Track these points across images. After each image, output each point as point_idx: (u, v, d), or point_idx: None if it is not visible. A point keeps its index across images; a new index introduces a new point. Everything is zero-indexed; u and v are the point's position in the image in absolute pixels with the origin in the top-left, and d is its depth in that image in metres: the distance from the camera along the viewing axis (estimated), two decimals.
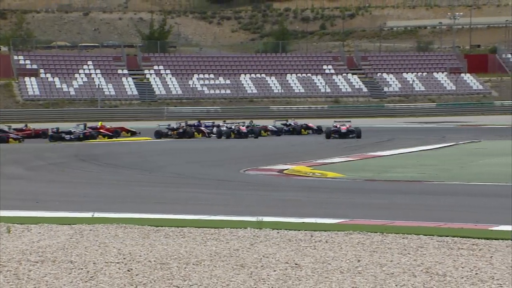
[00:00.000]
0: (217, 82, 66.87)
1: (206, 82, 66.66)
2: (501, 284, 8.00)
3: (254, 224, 11.74)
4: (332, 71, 70.36)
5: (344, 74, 70.02)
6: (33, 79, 63.76)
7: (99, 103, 61.22)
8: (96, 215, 13.15)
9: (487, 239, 10.59)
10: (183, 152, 31.91)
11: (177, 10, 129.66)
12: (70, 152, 31.72)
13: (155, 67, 68.24)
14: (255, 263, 9.01)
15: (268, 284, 8.00)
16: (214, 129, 41.64)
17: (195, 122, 44.61)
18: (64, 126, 44.43)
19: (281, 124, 44.37)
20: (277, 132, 42.62)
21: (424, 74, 71.07)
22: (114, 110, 60.68)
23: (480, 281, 8.12)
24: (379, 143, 35.01)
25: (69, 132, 39.80)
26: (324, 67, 70.81)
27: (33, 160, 28.29)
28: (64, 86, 63.52)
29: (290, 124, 44.06)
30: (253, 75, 68.40)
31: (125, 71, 67.14)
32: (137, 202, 16.20)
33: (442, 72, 71.43)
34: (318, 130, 42.88)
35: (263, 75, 68.62)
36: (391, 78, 70.10)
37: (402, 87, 69.18)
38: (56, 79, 64.16)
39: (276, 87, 67.03)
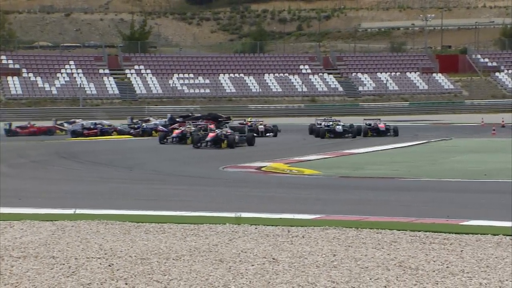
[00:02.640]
0: (196, 81, 66.73)
1: (186, 81, 66.50)
2: (471, 277, 8.06)
3: (233, 220, 11.73)
4: (309, 71, 70.48)
5: (320, 74, 70.17)
6: (15, 78, 63.23)
7: (80, 102, 60.86)
8: (78, 211, 13.08)
9: (458, 233, 10.66)
10: (162, 150, 31.80)
11: (157, 11, 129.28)
12: (51, 150, 31.51)
13: (136, 67, 67.95)
14: (234, 258, 9.00)
15: (246, 279, 8.00)
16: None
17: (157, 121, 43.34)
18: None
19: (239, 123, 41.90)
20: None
21: (398, 74, 71.42)
22: (95, 109, 60.37)
23: (451, 274, 8.18)
24: (354, 141, 35.12)
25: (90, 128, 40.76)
26: (301, 67, 70.92)
27: (15, 157, 28.06)
28: (46, 85, 63.07)
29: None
30: (231, 75, 68.34)
31: (107, 71, 66.78)
32: (118, 198, 16.13)
33: (415, 72, 71.82)
34: (273, 130, 39.57)
35: (242, 75, 68.59)
36: (365, 78, 70.37)
37: (376, 87, 69.47)
38: (39, 79, 63.68)
39: (254, 86, 67.04)
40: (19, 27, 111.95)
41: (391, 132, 37.06)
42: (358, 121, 47.84)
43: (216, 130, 32.64)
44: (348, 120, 50.83)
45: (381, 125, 37.33)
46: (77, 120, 45.33)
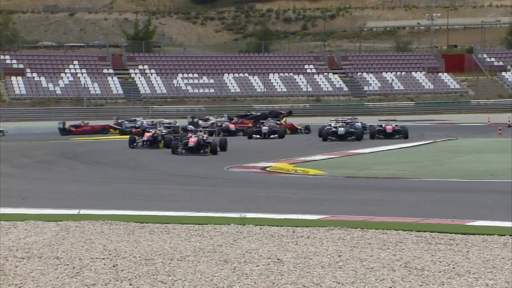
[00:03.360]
0: (201, 81, 66.75)
1: (190, 81, 66.52)
2: (477, 278, 8.05)
3: (237, 221, 11.73)
4: (314, 70, 70.43)
5: (325, 74, 70.12)
6: (19, 78, 63.35)
7: (84, 102, 60.94)
8: (82, 212, 13.09)
9: (464, 234, 10.64)
10: (167, 150, 31.80)
11: (161, 10, 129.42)
12: (56, 150, 31.55)
13: (140, 67, 68.01)
14: (238, 259, 9.00)
15: (251, 279, 8.01)
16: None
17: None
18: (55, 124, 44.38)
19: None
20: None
21: (403, 73, 71.33)
22: (99, 109, 60.44)
23: (457, 275, 8.17)
24: (359, 141, 35.06)
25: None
26: (306, 66, 70.88)
27: (19, 158, 28.10)
28: (50, 85, 63.16)
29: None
30: (236, 75, 68.35)
31: (111, 71, 66.86)
32: (122, 199, 16.14)
33: (421, 71, 71.72)
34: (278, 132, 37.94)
35: (246, 75, 68.59)
36: (371, 78, 70.29)
37: (382, 86, 69.39)
38: (43, 79, 63.78)
39: (259, 86, 67.03)
40: (23, 27, 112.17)
41: (400, 134, 34.92)
42: (368, 121, 47.75)
43: (192, 136, 28.88)
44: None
45: (389, 127, 35.14)
46: (137, 119, 45.22)
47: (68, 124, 44.05)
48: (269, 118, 42.26)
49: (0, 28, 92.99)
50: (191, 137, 28.67)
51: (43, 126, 47.16)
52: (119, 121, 45.01)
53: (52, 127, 44.95)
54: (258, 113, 45.73)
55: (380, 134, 34.74)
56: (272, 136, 37.40)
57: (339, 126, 35.06)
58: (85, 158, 27.80)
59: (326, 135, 34.55)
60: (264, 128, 37.72)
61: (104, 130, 43.71)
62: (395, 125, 35.63)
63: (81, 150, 31.38)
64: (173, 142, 29.56)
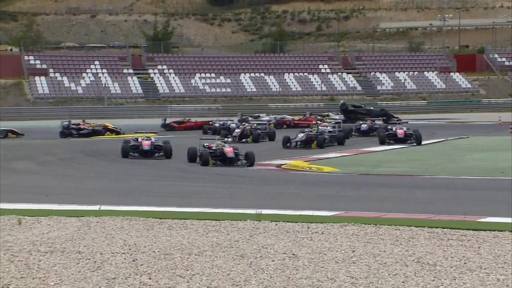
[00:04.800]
0: (218, 81, 66.78)
1: (208, 81, 66.57)
2: (488, 273, 8.00)
3: (254, 217, 11.73)
4: (328, 70, 70.27)
5: (339, 73, 69.94)
6: (42, 78, 63.65)
7: (105, 101, 61.15)
8: (103, 208, 13.14)
9: (475, 230, 10.59)
10: (184, 148, 31.83)
11: (179, 12, 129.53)
12: (77, 148, 31.69)
13: (159, 67, 68.14)
14: (255, 254, 9.00)
15: (267, 274, 8.00)
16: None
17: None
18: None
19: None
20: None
21: (416, 73, 70.99)
22: (119, 107, 60.63)
23: (468, 270, 8.12)
24: (371, 139, 34.93)
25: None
26: (320, 66, 70.73)
27: (42, 155, 28.26)
28: (72, 85, 63.42)
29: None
30: (252, 74, 68.31)
31: (130, 71, 67.03)
32: (142, 195, 16.19)
33: (433, 71, 71.35)
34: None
35: (262, 74, 68.53)
36: (384, 77, 70.02)
37: (395, 86, 69.10)
38: (65, 78, 64.07)
39: (274, 85, 66.96)
40: (46, 28, 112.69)
41: (412, 140, 31.22)
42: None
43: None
44: None
45: (400, 131, 31.45)
46: (261, 115, 45.89)
47: (170, 120, 44.13)
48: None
49: (24, 29, 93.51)
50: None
51: (40, 126, 46.70)
52: (243, 117, 44.79)
53: (48, 126, 44.23)
54: (371, 108, 47.02)
55: (390, 139, 31.34)
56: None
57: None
58: (107, 155, 27.89)
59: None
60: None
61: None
62: (407, 128, 32.21)
63: (102, 148, 31.48)
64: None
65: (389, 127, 33.03)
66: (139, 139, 26.72)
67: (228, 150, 23.84)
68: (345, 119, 44.74)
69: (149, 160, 25.75)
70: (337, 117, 44.52)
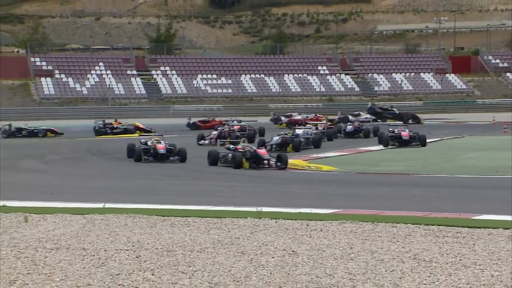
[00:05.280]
0: (219, 82, 66.78)
1: (209, 82, 66.56)
2: (483, 269, 8.00)
3: (254, 214, 11.73)
4: (326, 71, 70.26)
5: (337, 75, 69.92)
6: (48, 79, 63.66)
7: (109, 101, 61.15)
8: (107, 205, 13.14)
9: (470, 227, 10.58)
10: (188, 148, 31.81)
11: (182, 15, 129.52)
12: (83, 147, 31.68)
13: (162, 68, 68.14)
14: (255, 250, 9.00)
15: (267, 270, 8.00)
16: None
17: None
18: (82, 123, 44.45)
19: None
20: None
21: (412, 74, 70.97)
22: (123, 108, 60.63)
23: (463, 267, 8.12)
24: (370, 139, 34.92)
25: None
26: (319, 68, 70.71)
27: (48, 154, 28.26)
28: (77, 85, 63.44)
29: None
30: (252, 76, 68.30)
31: (134, 72, 67.03)
32: (145, 193, 16.18)
33: (429, 72, 71.33)
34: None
35: (262, 76, 68.52)
36: (381, 78, 70.00)
37: (392, 87, 69.08)
38: (70, 79, 64.07)
39: (274, 86, 66.95)
40: (52, 30, 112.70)
41: (416, 141, 29.81)
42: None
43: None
44: None
45: (405, 133, 29.93)
46: (292, 114, 45.88)
47: (195, 119, 44.26)
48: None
49: (31, 32, 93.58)
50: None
51: (74, 125, 47.05)
52: (275, 116, 44.77)
53: (81, 125, 44.80)
54: (396, 111, 47.81)
55: (394, 141, 29.80)
56: None
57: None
58: (111, 154, 27.89)
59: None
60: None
61: None
62: (410, 130, 30.58)
63: (106, 147, 31.47)
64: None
65: (390, 129, 30.99)
66: (149, 142, 25.05)
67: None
68: (375, 119, 47.46)
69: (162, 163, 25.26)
70: (368, 116, 47.15)
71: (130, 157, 25.09)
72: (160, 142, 24.87)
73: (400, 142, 29.58)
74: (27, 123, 41.75)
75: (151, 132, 37.72)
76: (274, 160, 22.68)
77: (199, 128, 42.55)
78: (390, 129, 30.81)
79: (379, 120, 46.72)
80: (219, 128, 33.84)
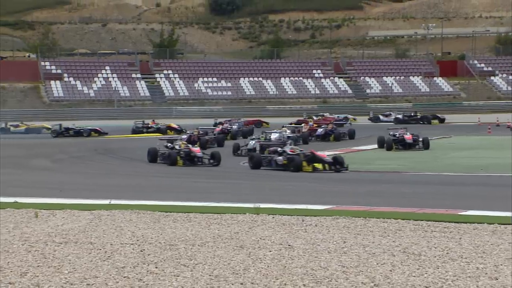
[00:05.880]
0: (219, 85, 66.75)
1: (210, 85, 66.52)
2: (468, 262, 8.00)
3: (252, 210, 11.72)
4: (321, 75, 70.25)
5: (331, 78, 69.92)
6: (58, 82, 63.62)
7: (115, 103, 61.11)
8: (113, 202, 13.12)
9: (457, 222, 10.58)
10: None
11: (184, 21, 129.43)
12: (90, 146, 31.64)
13: (165, 72, 68.09)
14: (253, 245, 8.99)
15: (264, 263, 7.99)
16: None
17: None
18: (88, 123, 44.29)
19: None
20: None
21: (402, 78, 70.98)
22: (128, 109, 60.57)
23: (450, 260, 8.12)
24: (362, 139, 34.92)
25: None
26: (314, 71, 70.70)
27: (57, 153, 28.23)
28: (85, 88, 63.38)
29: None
30: (251, 79, 68.29)
31: (138, 75, 66.99)
32: (149, 191, 16.17)
33: (418, 76, 71.35)
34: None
35: (260, 79, 68.50)
36: (372, 81, 70.01)
37: (382, 89, 69.09)
38: (78, 82, 64.03)
39: (272, 89, 66.93)
40: (61, 36, 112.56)
41: (420, 145, 27.92)
42: (367, 121, 47.36)
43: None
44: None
45: (408, 136, 27.94)
46: (324, 114, 47.24)
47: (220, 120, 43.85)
48: None
49: (41, 37, 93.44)
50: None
51: (82, 125, 46.85)
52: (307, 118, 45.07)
53: (119, 126, 44.74)
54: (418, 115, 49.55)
55: (398, 145, 27.88)
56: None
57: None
58: (118, 154, 27.85)
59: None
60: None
61: (258, 124, 43.57)
62: (412, 133, 28.63)
63: (112, 147, 31.44)
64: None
65: (391, 132, 28.94)
66: (176, 146, 23.21)
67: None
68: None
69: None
70: (399, 116, 49.36)
71: (152, 161, 23.34)
72: (195, 145, 24.10)
73: (404, 146, 27.79)
74: (75, 123, 42.32)
75: (182, 132, 36.61)
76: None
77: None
78: (391, 133, 28.82)
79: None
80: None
